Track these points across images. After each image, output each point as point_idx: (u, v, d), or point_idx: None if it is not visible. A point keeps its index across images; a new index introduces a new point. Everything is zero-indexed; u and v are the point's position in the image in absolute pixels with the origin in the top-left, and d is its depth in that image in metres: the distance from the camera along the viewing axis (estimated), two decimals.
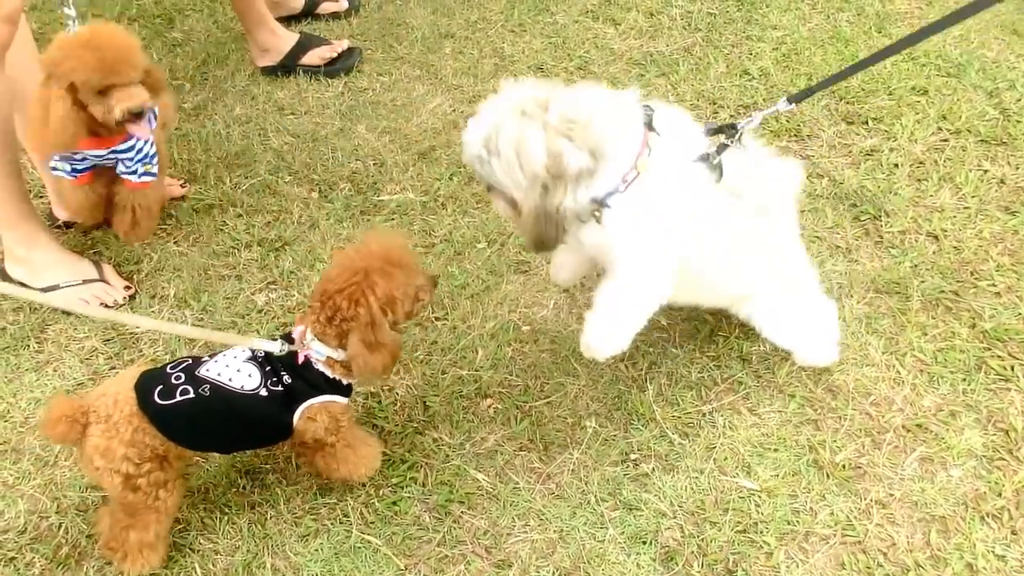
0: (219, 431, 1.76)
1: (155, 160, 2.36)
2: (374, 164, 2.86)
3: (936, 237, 2.43)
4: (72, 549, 1.90)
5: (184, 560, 1.86)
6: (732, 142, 1.72)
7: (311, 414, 1.76)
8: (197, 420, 1.70)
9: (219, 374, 1.71)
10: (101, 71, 2.07)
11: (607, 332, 1.75)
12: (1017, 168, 2.63)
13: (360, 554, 1.85)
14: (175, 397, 1.67)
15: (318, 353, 1.73)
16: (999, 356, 2.12)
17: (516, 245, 2.52)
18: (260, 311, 2.39)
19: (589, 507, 1.91)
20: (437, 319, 2.34)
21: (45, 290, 2.43)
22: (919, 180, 2.62)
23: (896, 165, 2.67)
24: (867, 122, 2.84)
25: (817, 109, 2.89)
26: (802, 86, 3.00)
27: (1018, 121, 2.78)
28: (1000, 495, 1.87)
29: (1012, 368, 2.09)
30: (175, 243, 2.61)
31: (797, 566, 1.79)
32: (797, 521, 1.86)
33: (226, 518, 1.93)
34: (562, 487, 1.96)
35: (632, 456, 2.00)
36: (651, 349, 2.21)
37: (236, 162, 2.88)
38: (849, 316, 2.24)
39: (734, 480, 1.94)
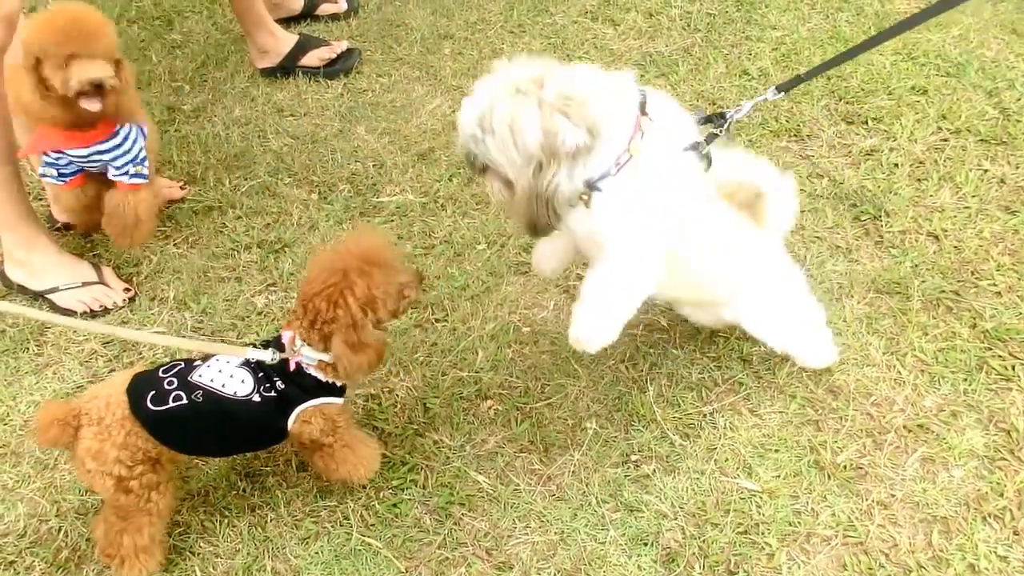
0: (212, 437, 1.76)
1: (146, 163, 2.33)
2: (374, 165, 2.85)
3: (936, 237, 2.43)
4: (72, 553, 1.89)
5: (184, 563, 1.86)
6: (721, 132, 1.72)
7: (306, 417, 1.75)
8: (190, 426, 1.69)
9: (212, 380, 1.70)
10: (60, 41, 2.05)
11: (595, 322, 1.70)
12: (1017, 167, 2.63)
13: (360, 556, 1.85)
14: (168, 403, 1.66)
15: (308, 358, 1.72)
16: (1000, 356, 2.12)
17: (516, 246, 2.52)
18: (260, 313, 2.39)
19: (590, 509, 1.91)
20: (437, 321, 2.34)
21: (45, 292, 2.43)
22: (919, 180, 2.62)
23: (896, 165, 2.67)
24: (867, 122, 2.84)
25: (817, 109, 2.89)
26: (801, 85, 2.99)
27: (1018, 120, 2.77)
28: (1002, 495, 1.86)
29: (1013, 368, 2.09)
30: (174, 245, 2.61)
31: (799, 567, 1.79)
32: (799, 522, 1.85)
33: (226, 521, 1.93)
34: (563, 489, 1.95)
35: (633, 457, 2.00)
36: (652, 350, 2.21)
37: (235, 164, 2.88)
38: (850, 316, 2.23)
39: (735, 481, 1.93)
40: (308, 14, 3.59)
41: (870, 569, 1.77)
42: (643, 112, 1.61)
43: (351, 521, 1.91)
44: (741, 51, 3.20)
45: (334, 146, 2.93)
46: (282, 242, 2.59)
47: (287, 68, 3.25)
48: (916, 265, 2.35)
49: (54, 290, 2.42)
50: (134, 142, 2.30)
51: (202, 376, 1.70)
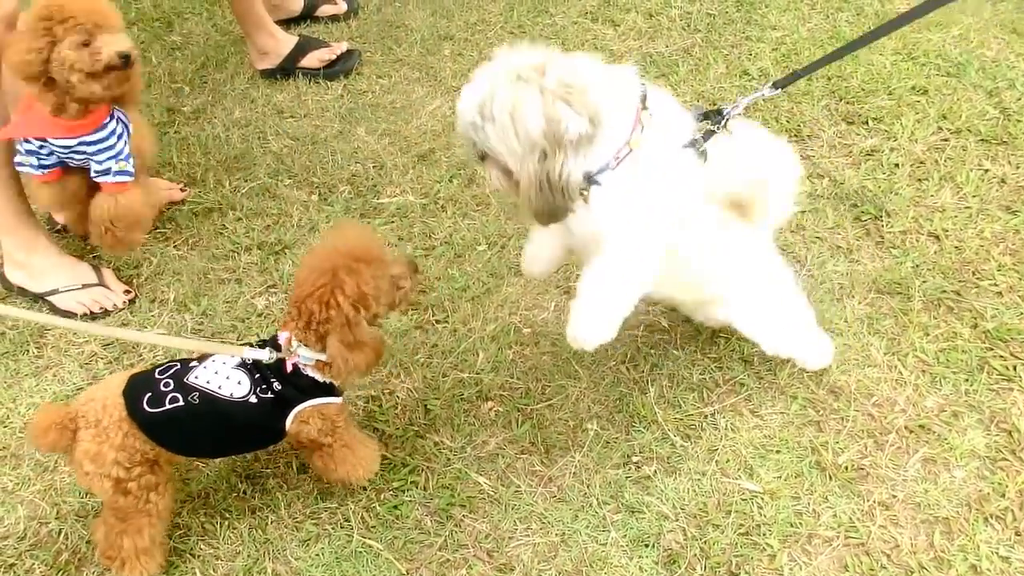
0: (209, 438, 1.75)
1: (131, 160, 2.30)
2: (374, 167, 2.85)
3: (937, 237, 2.43)
4: (72, 555, 1.89)
5: (185, 565, 1.86)
6: (718, 128, 1.71)
7: (303, 417, 1.75)
8: (187, 428, 1.69)
9: (208, 381, 1.69)
10: (88, 13, 2.06)
11: (593, 319, 1.68)
12: (1018, 167, 2.63)
13: (361, 558, 1.85)
14: (164, 405, 1.66)
15: (305, 359, 1.71)
16: (1001, 356, 2.12)
17: (516, 247, 2.52)
18: (260, 315, 2.39)
19: (591, 510, 1.91)
20: (437, 322, 2.34)
21: (45, 294, 2.43)
22: (920, 180, 2.62)
23: (897, 165, 2.67)
24: (867, 122, 2.83)
25: (817, 109, 2.89)
26: (801, 85, 2.99)
27: (1018, 120, 2.77)
28: (1004, 496, 1.86)
29: (1014, 368, 2.09)
30: (174, 247, 2.61)
31: (800, 568, 1.78)
32: (800, 523, 1.85)
33: (227, 523, 1.92)
34: (564, 490, 1.95)
35: (634, 459, 2.00)
36: (652, 351, 2.21)
37: (235, 165, 2.88)
38: (851, 317, 2.23)
39: (736, 482, 1.93)
40: (308, 15, 3.59)
41: (872, 570, 1.77)
42: (643, 106, 1.61)
43: (352, 523, 1.90)
44: (741, 51, 3.20)
45: (334, 147, 2.93)
46: (282, 244, 2.59)
47: (287, 69, 3.25)
48: (917, 265, 2.35)
49: (54, 292, 2.42)
50: (119, 137, 2.27)
51: (198, 378, 1.70)
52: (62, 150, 2.25)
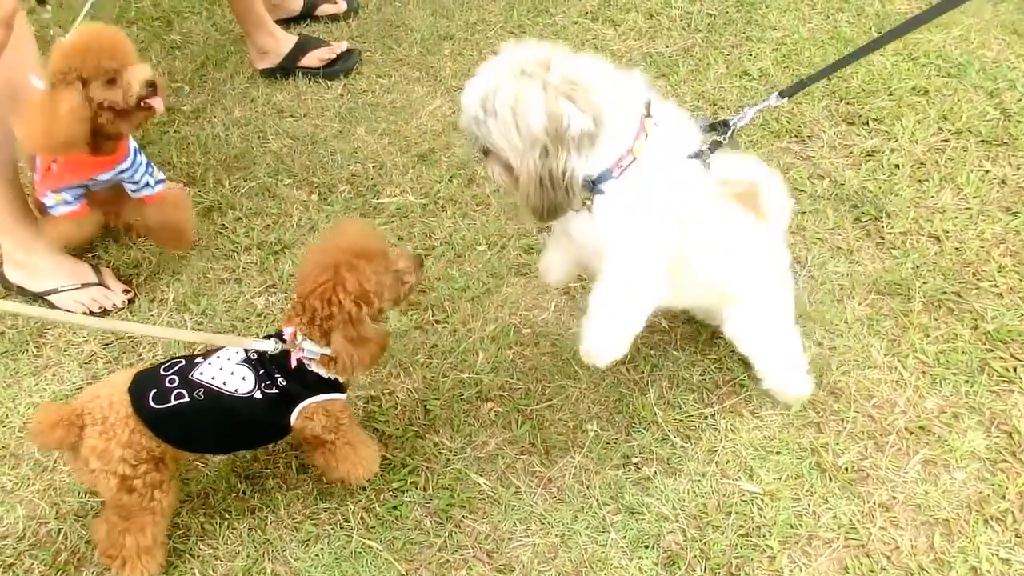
0: (215, 434, 1.75)
1: (152, 166, 2.34)
2: (374, 166, 2.85)
3: (938, 238, 2.43)
4: (71, 555, 1.89)
5: (184, 566, 1.86)
6: (725, 139, 1.70)
7: (308, 413, 1.75)
8: (192, 424, 1.69)
9: (213, 377, 1.70)
10: (110, 56, 2.06)
11: (606, 337, 1.69)
12: (1018, 168, 2.62)
13: (361, 559, 1.85)
14: (170, 401, 1.66)
15: (311, 353, 1.71)
16: (1002, 358, 2.12)
17: (517, 248, 2.51)
18: (260, 314, 2.38)
19: (591, 511, 1.90)
20: (437, 322, 2.34)
21: (44, 294, 2.43)
22: (920, 181, 2.62)
23: (897, 166, 2.67)
24: (868, 123, 2.83)
25: (818, 110, 2.89)
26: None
27: (1019, 121, 2.77)
28: (1004, 498, 1.86)
29: (1015, 370, 2.09)
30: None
31: (800, 570, 1.78)
32: (800, 524, 1.85)
33: (226, 523, 1.92)
34: (564, 491, 1.95)
35: (634, 459, 1.99)
36: (652, 352, 2.21)
37: (235, 165, 2.88)
38: (851, 318, 2.23)
39: (736, 483, 1.93)
40: (308, 15, 3.59)
41: (872, 571, 1.77)
42: (648, 114, 1.60)
43: (351, 523, 1.90)
44: (742, 52, 3.20)
45: (334, 147, 2.93)
46: (282, 243, 2.58)
47: (287, 69, 3.24)
48: (917, 266, 2.35)
49: (53, 291, 2.42)
50: (139, 151, 2.30)
51: (203, 374, 1.70)
52: (99, 183, 2.27)
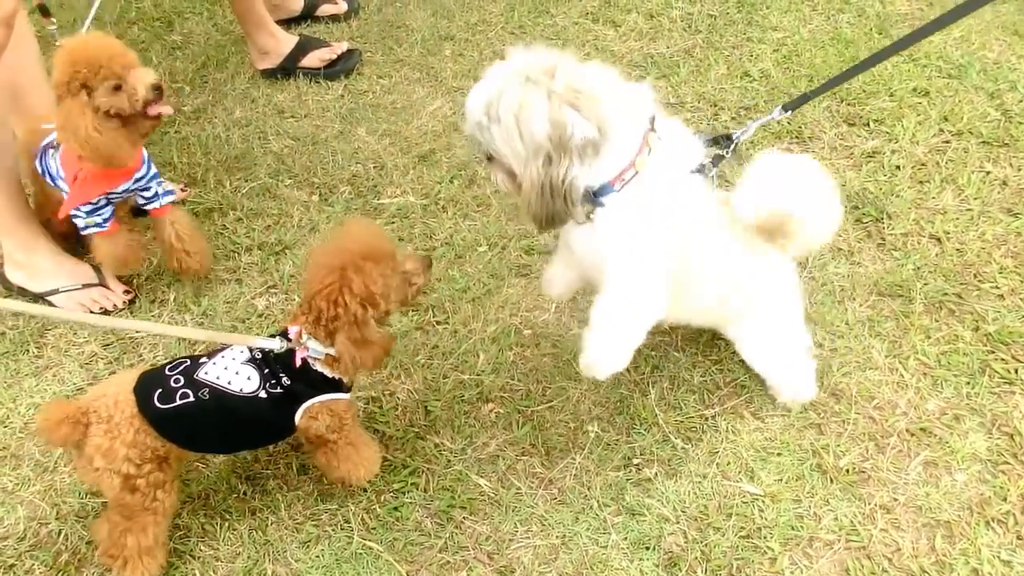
0: (220, 434, 1.76)
1: (159, 176, 2.33)
2: (374, 167, 2.85)
3: (939, 239, 2.43)
4: (72, 556, 1.89)
5: (185, 567, 1.85)
6: (727, 153, 1.69)
7: (312, 413, 1.76)
8: (197, 423, 1.69)
9: (218, 377, 1.70)
10: (113, 61, 2.04)
11: (606, 350, 1.71)
12: (1019, 170, 2.62)
13: (361, 560, 1.84)
14: (175, 401, 1.67)
15: (315, 352, 1.72)
16: (1003, 359, 2.12)
17: (517, 248, 2.51)
18: (260, 315, 2.38)
19: (592, 512, 1.90)
20: (438, 323, 2.33)
21: (45, 294, 2.43)
22: (921, 182, 2.62)
23: (898, 167, 2.67)
24: (868, 124, 2.83)
25: (818, 111, 2.88)
26: (803, 88, 2.99)
27: (1020, 122, 2.77)
28: (1005, 500, 1.86)
29: (1016, 371, 2.09)
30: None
31: (801, 572, 1.78)
32: (801, 526, 1.85)
33: (227, 524, 1.92)
34: (564, 492, 1.95)
35: (635, 461, 1.99)
36: (653, 353, 2.20)
37: (236, 165, 2.88)
38: (852, 319, 2.23)
39: (737, 485, 1.93)
40: (308, 15, 3.59)
41: (873, 573, 1.77)
42: (652, 128, 1.59)
43: (352, 524, 1.90)
44: (742, 52, 3.20)
45: (335, 148, 2.93)
46: (283, 244, 2.58)
47: (287, 69, 3.24)
48: (918, 268, 2.35)
49: (54, 292, 2.42)
50: (150, 159, 2.30)
51: (208, 373, 1.70)
52: (118, 195, 2.26)
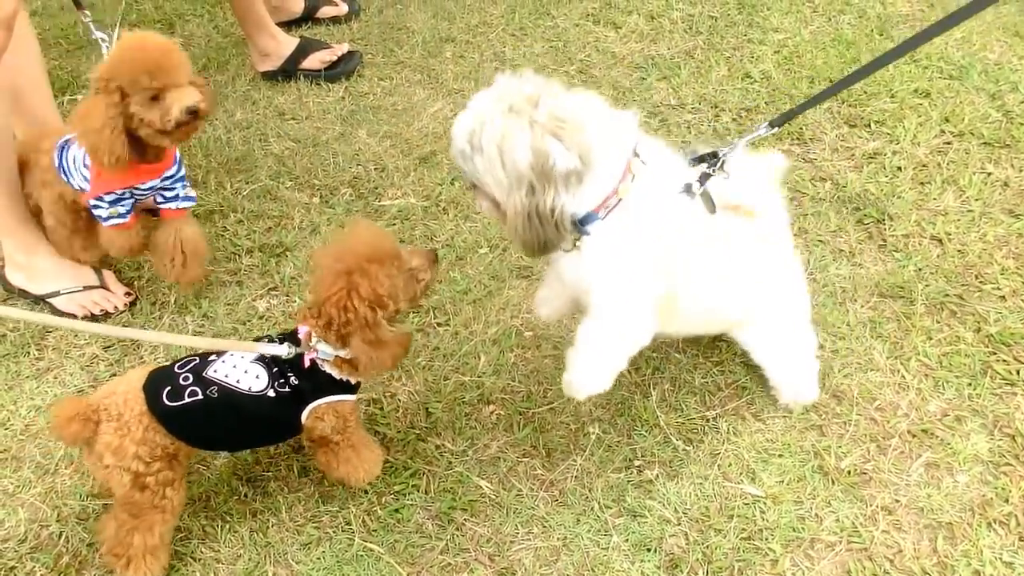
0: (228, 432, 1.76)
1: (186, 179, 2.31)
2: (375, 169, 2.85)
3: (940, 240, 2.42)
4: (73, 558, 1.88)
5: (186, 569, 1.85)
6: (714, 171, 1.69)
7: (319, 414, 1.76)
8: (206, 422, 1.70)
9: (227, 375, 1.70)
10: (154, 72, 2.00)
11: (588, 373, 1.74)
12: (1021, 171, 2.62)
13: (362, 562, 1.84)
14: (184, 399, 1.67)
15: (325, 354, 1.72)
16: (1004, 360, 2.11)
17: (518, 249, 2.51)
18: (261, 317, 2.38)
19: (593, 514, 1.90)
20: (439, 325, 2.33)
21: (45, 296, 2.43)
22: (922, 183, 2.61)
23: (899, 168, 2.66)
24: (869, 125, 2.83)
25: (819, 112, 2.88)
26: (804, 89, 2.99)
27: (1021, 123, 2.77)
28: (1007, 501, 1.85)
29: (1018, 372, 2.08)
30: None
31: (803, 573, 1.78)
32: (802, 528, 1.84)
33: (227, 526, 1.92)
34: (565, 494, 1.94)
35: (636, 462, 1.99)
36: (654, 354, 2.20)
37: (237, 167, 2.88)
38: (853, 320, 2.23)
39: (739, 486, 1.92)
40: (309, 17, 3.59)
41: (874, 575, 1.76)
42: (635, 154, 1.58)
43: (353, 526, 1.90)
44: (743, 54, 3.20)
45: (335, 149, 2.93)
46: (283, 246, 2.58)
47: (288, 71, 3.24)
48: (920, 269, 2.34)
49: (55, 294, 2.42)
50: (180, 161, 2.28)
51: (217, 372, 1.71)
52: (144, 192, 2.24)
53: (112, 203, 2.22)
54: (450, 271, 2.47)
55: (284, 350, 1.69)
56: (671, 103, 3.00)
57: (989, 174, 2.62)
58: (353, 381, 1.79)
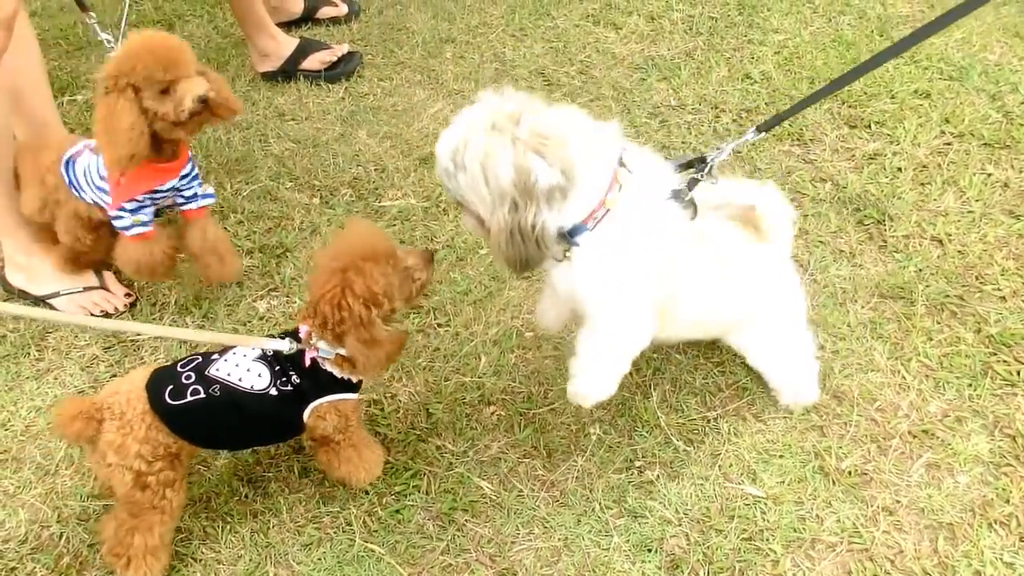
0: (230, 430, 1.76)
1: (200, 177, 2.30)
2: (375, 170, 2.85)
3: (940, 241, 2.42)
4: (73, 559, 1.88)
5: (186, 570, 1.85)
6: (703, 176, 1.69)
7: (321, 412, 1.76)
8: (208, 420, 1.70)
9: (229, 374, 1.71)
10: (163, 66, 2.00)
11: (592, 381, 1.74)
12: (1021, 171, 2.62)
13: (363, 563, 1.84)
14: (186, 397, 1.67)
15: (325, 352, 1.72)
16: (1005, 361, 2.11)
17: None
18: (261, 318, 2.38)
19: (594, 515, 1.90)
20: (439, 326, 2.33)
21: (46, 297, 2.43)
22: (922, 184, 2.62)
23: (899, 169, 2.67)
24: (870, 126, 2.83)
25: (820, 113, 2.89)
26: (804, 89, 2.99)
27: (1021, 124, 2.77)
28: (1008, 502, 1.86)
29: (1018, 373, 2.08)
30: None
31: (804, 574, 1.78)
32: (803, 528, 1.84)
33: (228, 527, 1.92)
34: (566, 495, 1.94)
35: (637, 463, 1.99)
36: (655, 355, 2.20)
37: (237, 168, 2.88)
38: (854, 321, 2.23)
39: (739, 487, 1.92)
40: (309, 18, 3.59)
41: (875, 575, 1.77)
42: (621, 164, 1.59)
43: (354, 527, 1.90)
44: (743, 55, 3.20)
45: (335, 150, 2.93)
46: (283, 247, 2.58)
47: (288, 72, 3.24)
48: (920, 270, 2.35)
49: (55, 295, 2.42)
50: (193, 158, 2.27)
51: (219, 370, 1.71)
52: (165, 194, 2.22)
53: (133, 211, 2.20)
54: (450, 272, 2.47)
55: (285, 345, 1.69)
56: (671, 104, 3.00)
57: (989, 175, 2.62)
58: (354, 380, 1.79)
